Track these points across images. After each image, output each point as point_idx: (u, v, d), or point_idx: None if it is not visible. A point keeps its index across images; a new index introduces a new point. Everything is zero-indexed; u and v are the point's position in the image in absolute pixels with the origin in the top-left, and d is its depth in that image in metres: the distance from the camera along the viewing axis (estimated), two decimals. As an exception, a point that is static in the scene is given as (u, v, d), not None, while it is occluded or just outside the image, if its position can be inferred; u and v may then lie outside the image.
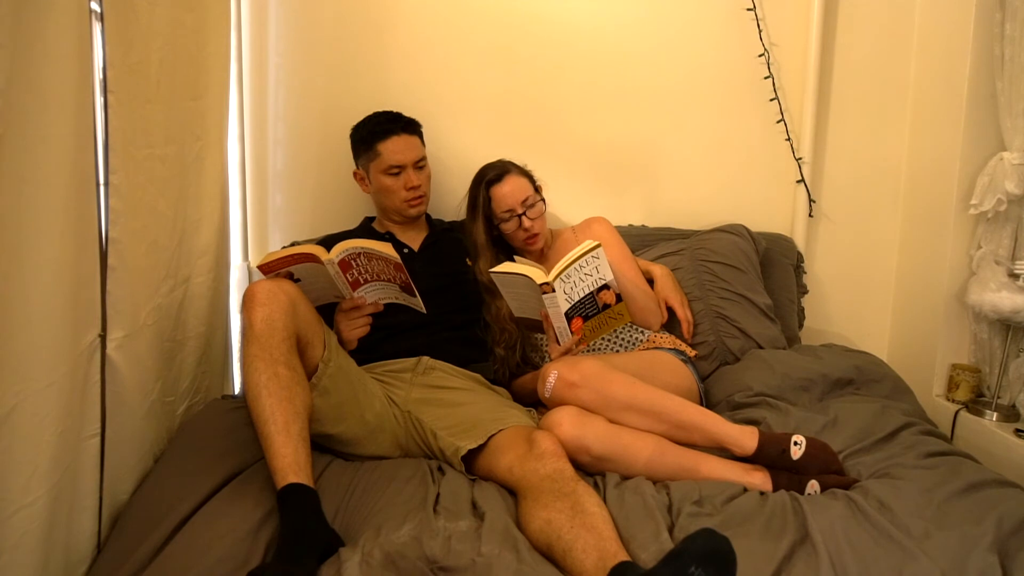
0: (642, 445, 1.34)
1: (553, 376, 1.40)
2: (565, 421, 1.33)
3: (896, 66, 2.09)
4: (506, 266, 1.53)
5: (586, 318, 1.52)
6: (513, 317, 1.61)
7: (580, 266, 1.46)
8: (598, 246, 1.47)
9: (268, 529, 1.11)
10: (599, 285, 1.50)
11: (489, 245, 1.80)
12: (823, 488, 1.27)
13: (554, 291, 1.43)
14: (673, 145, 2.13)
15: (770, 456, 1.33)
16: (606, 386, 1.39)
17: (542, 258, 1.86)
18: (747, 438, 1.35)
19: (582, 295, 1.48)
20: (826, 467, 1.30)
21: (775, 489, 1.29)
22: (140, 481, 1.31)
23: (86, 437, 1.17)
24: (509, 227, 1.76)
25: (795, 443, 1.32)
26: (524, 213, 1.74)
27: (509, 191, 1.74)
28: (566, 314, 1.47)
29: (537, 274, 1.45)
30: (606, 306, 1.53)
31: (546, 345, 1.62)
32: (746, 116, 2.11)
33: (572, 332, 1.50)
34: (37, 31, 0.99)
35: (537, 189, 1.81)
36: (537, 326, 1.57)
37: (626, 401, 1.38)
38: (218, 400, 1.62)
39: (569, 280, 1.46)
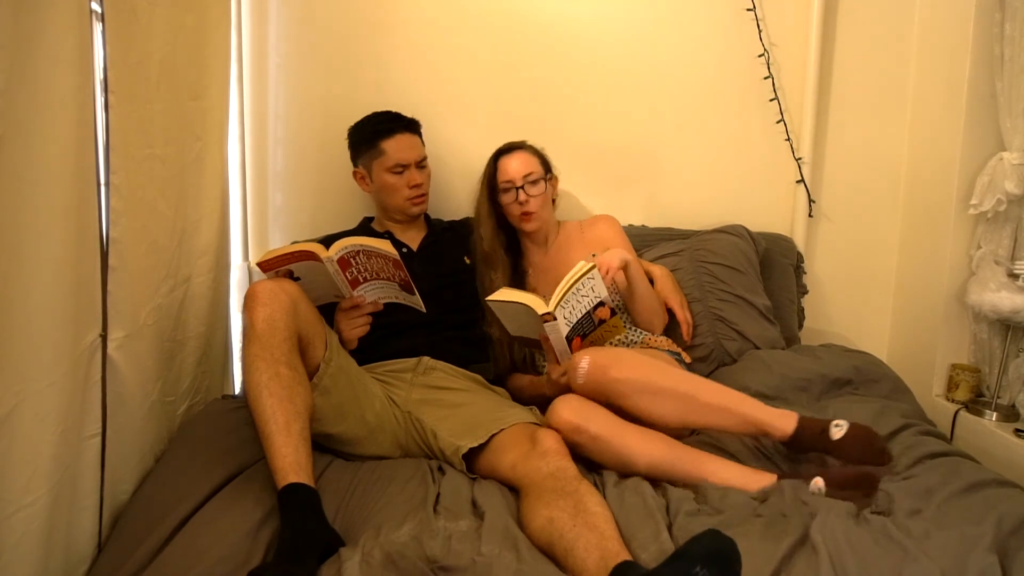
0: (647, 445, 1.32)
1: (586, 362, 1.37)
2: (565, 410, 1.33)
3: (896, 66, 2.09)
4: (502, 293, 1.53)
5: (584, 336, 1.53)
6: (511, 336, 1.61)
7: (577, 289, 1.46)
8: (593, 267, 1.46)
9: (268, 529, 1.12)
10: (595, 303, 1.50)
11: (490, 215, 1.80)
12: (835, 485, 1.22)
13: (555, 319, 1.43)
14: (673, 145, 2.13)
15: (808, 439, 1.28)
16: (642, 368, 1.36)
17: (544, 248, 1.85)
18: (785, 420, 1.31)
19: (580, 315, 1.49)
20: (867, 454, 1.24)
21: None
22: (140, 481, 1.31)
23: (86, 437, 1.17)
24: (507, 199, 1.76)
25: (836, 425, 1.27)
26: (522, 187, 1.74)
27: (513, 163, 1.75)
28: (566, 337, 1.48)
29: (537, 303, 1.45)
30: (601, 321, 1.53)
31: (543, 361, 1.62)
32: (746, 116, 2.11)
33: (572, 351, 1.50)
34: (37, 31, 0.99)
35: (549, 173, 1.81)
36: (535, 344, 1.57)
37: (662, 384, 1.35)
38: (218, 400, 1.62)
39: (568, 305, 1.46)
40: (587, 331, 1.52)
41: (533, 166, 1.77)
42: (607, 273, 1.56)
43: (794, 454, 1.33)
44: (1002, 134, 1.76)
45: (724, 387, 1.40)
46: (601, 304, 1.51)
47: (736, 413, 1.34)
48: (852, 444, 1.24)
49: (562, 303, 1.44)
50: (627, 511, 1.17)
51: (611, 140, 2.12)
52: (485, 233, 1.79)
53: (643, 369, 1.37)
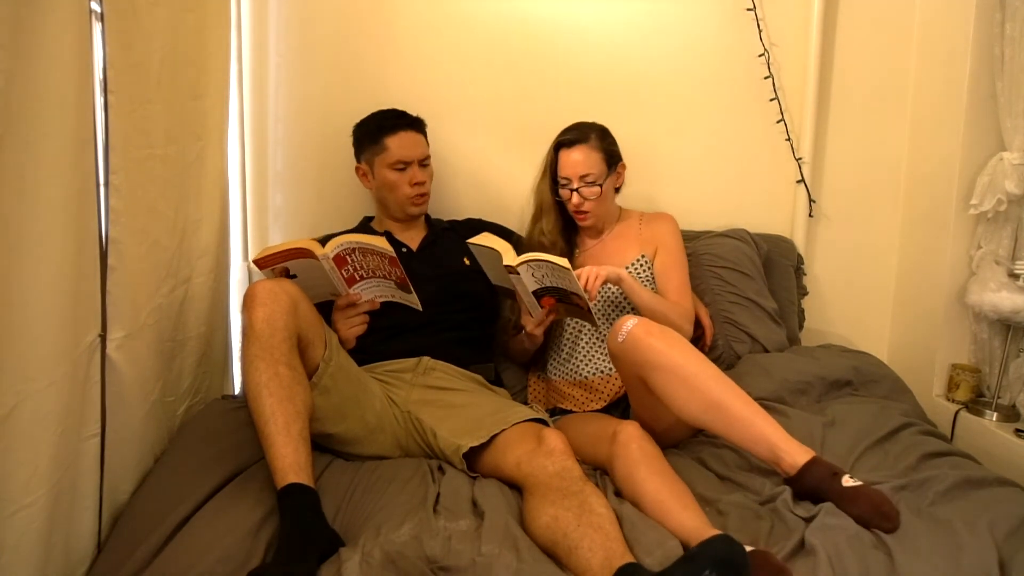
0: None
1: (631, 323, 1.36)
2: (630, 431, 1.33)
3: (896, 66, 2.09)
4: (483, 238, 1.57)
5: (558, 300, 1.55)
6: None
7: (554, 268, 1.46)
8: (569, 271, 1.45)
9: (268, 529, 1.12)
10: (572, 291, 1.50)
11: (554, 206, 1.77)
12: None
13: (519, 273, 1.47)
14: (673, 145, 2.13)
15: (816, 477, 1.19)
16: (683, 349, 1.34)
17: (598, 237, 1.82)
18: (802, 452, 1.23)
19: (554, 285, 1.50)
20: (873, 515, 1.12)
21: None
22: (140, 481, 1.31)
23: (86, 437, 1.17)
24: (564, 194, 1.73)
25: (851, 476, 1.20)
26: (578, 188, 1.70)
27: (572, 161, 1.70)
28: (535, 292, 1.51)
29: (508, 254, 1.48)
30: (577, 305, 1.54)
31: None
32: (746, 116, 2.11)
33: (542, 307, 1.52)
34: (37, 31, 0.99)
35: (613, 166, 1.74)
36: (511, 295, 1.60)
37: (695, 371, 1.30)
38: (218, 400, 1.62)
39: (540, 269, 1.47)
40: (561, 298, 1.54)
41: (593, 165, 1.69)
42: (585, 282, 1.51)
43: (794, 499, 1.23)
44: (1002, 134, 1.76)
45: (752, 400, 1.32)
46: (576, 295, 1.50)
47: (756, 428, 1.27)
48: (861, 498, 1.14)
49: (532, 264, 1.46)
50: (631, 515, 1.17)
51: (611, 140, 2.12)
52: (547, 226, 1.76)
53: (684, 350, 1.34)
